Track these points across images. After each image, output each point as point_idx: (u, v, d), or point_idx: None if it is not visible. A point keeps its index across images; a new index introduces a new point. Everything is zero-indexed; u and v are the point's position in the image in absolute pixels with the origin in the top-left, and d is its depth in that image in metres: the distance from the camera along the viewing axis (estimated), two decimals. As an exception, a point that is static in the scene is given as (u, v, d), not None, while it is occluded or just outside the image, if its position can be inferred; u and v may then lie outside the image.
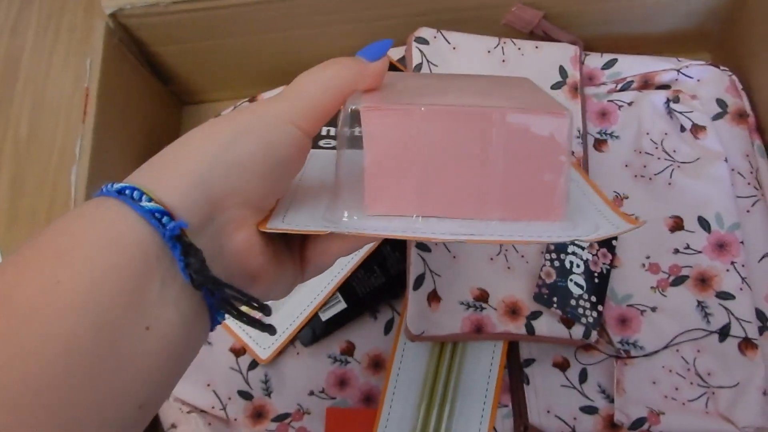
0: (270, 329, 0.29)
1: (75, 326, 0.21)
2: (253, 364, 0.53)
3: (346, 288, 0.54)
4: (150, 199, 0.24)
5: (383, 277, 0.54)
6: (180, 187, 0.25)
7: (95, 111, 0.52)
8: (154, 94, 0.64)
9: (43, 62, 0.73)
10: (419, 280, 0.50)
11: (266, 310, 0.28)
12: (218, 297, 0.26)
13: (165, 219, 0.24)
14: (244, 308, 0.28)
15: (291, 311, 0.53)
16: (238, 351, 0.53)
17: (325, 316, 0.54)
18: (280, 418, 0.52)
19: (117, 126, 0.56)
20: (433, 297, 0.50)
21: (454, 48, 0.55)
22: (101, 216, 0.24)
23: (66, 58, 0.73)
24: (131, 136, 0.59)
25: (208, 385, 0.52)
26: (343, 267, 0.54)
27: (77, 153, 0.52)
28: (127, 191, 0.24)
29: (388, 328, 0.54)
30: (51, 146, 0.69)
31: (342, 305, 0.54)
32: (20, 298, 0.21)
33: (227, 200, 0.26)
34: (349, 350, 0.54)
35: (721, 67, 0.57)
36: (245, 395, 0.52)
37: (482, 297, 0.50)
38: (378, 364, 0.53)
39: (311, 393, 0.53)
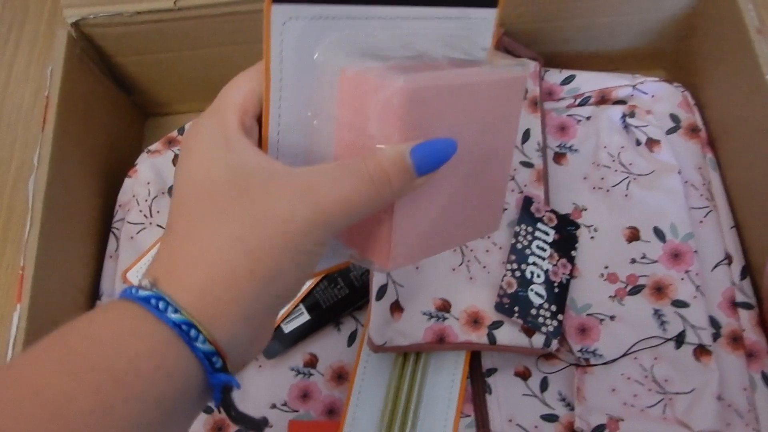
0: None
1: None
2: (215, 377, 0.52)
3: (309, 300, 0.54)
4: (205, 340, 0.25)
5: (347, 289, 0.54)
6: (228, 328, 0.25)
7: (55, 120, 0.52)
8: (116, 104, 0.64)
9: (2, 73, 0.72)
10: (382, 291, 0.50)
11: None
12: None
13: (215, 359, 0.25)
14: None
15: (253, 323, 0.53)
16: (199, 364, 0.52)
17: (288, 328, 0.53)
18: None
19: (78, 136, 0.56)
20: (396, 307, 0.50)
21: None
22: (158, 345, 0.24)
23: (26, 70, 0.72)
24: (93, 146, 0.58)
25: (168, 398, 0.51)
26: (306, 278, 0.54)
27: (35, 162, 0.51)
28: (184, 326, 0.24)
29: (351, 339, 0.54)
30: (8, 158, 0.68)
31: (305, 317, 0.53)
32: (72, 413, 0.21)
33: (263, 326, 0.27)
34: (312, 362, 0.54)
35: (674, 84, 0.59)
36: (205, 409, 0.51)
37: (444, 307, 0.50)
38: (341, 376, 0.53)
39: (273, 406, 0.52)
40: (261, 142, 0.30)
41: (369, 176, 0.27)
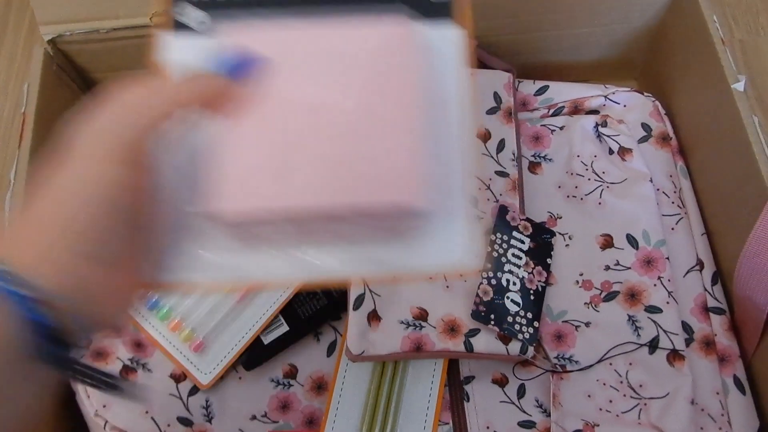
0: (118, 391, 0.29)
1: None
2: (194, 390, 0.52)
3: (288, 310, 0.54)
4: (9, 280, 0.24)
5: (325, 299, 0.55)
6: (33, 266, 0.25)
7: (32, 136, 0.52)
8: (94, 120, 0.64)
9: (-19, 90, 0.72)
10: (359, 300, 0.50)
11: (118, 390, 0.29)
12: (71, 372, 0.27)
13: (31, 304, 0.24)
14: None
15: (232, 335, 0.53)
16: (179, 377, 0.53)
17: (267, 339, 0.53)
18: (221, 443, 0.51)
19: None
20: (373, 316, 0.50)
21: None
22: None
23: (5, 86, 0.72)
24: (70, 162, 0.59)
25: (146, 412, 0.51)
26: (285, 289, 0.54)
27: (12, 179, 0.51)
28: None
29: (330, 350, 0.55)
30: (-13, 175, 0.68)
31: (284, 328, 0.54)
32: None
33: (92, 270, 0.27)
34: (291, 373, 0.54)
35: (645, 94, 0.60)
36: (185, 421, 0.51)
37: (421, 316, 0.51)
38: (321, 387, 0.53)
39: (253, 417, 0.52)
40: None
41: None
